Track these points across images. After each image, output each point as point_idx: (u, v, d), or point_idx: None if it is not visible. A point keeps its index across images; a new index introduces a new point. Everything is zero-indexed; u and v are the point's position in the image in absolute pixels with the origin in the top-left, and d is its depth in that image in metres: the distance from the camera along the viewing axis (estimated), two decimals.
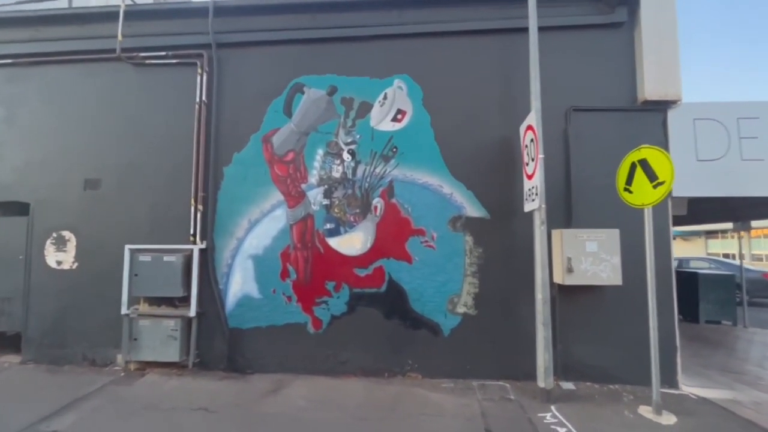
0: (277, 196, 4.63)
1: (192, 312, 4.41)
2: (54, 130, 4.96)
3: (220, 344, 4.52)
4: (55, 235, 4.80)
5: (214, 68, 4.79)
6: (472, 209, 4.42)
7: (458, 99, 4.54)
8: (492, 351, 4.26)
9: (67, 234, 4.79)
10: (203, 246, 4.57)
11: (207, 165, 4.70)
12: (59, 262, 4.77)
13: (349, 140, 4.61)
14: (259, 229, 4.61)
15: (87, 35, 4.97)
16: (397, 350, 4.38)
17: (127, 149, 4.85)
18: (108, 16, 4.94)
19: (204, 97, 4.75)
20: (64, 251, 4.77)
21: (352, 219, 4.53)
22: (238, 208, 4.65)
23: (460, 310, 4.34)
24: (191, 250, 4.57)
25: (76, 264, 4.75)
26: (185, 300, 4.55)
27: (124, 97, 4.93)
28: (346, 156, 4.60)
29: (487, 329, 4.29)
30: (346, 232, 4.53)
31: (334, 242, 4.53)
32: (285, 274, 4.54)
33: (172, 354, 4.41)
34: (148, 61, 4.88)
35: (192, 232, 4.61)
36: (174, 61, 4.85)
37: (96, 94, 4.97)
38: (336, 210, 4.56)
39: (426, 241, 4.43)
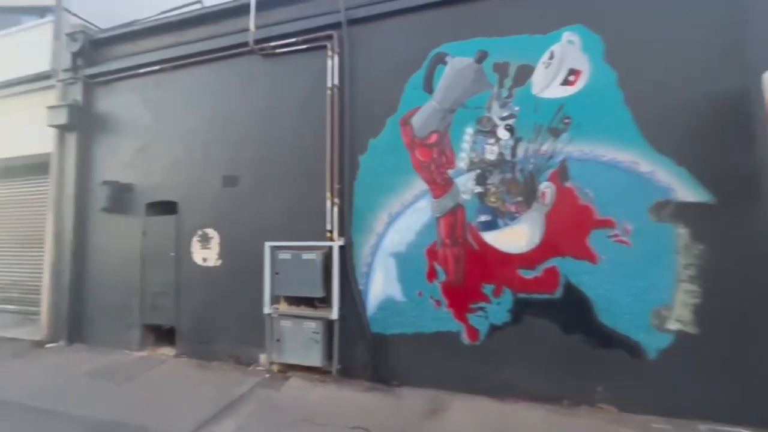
0: (420, 185, 4.04)
1: (334, 314, 4.06)
2: (195, 130, 5.07)
3: (362, 350, 4.10)
4: (200, 232, 4.89)
5: (346, 49, 4.38)
6: (686, 192, 3.29)
7: (659, 47, 3.43)
8: (729, 384, 3.11)
9: (210, 231, 4.84)
10: (341, 243, 4.20)
11: (342, 154, 4.32)
12: (205, 259, 4.84)
13: (506, 114, 3.81)
14: (401, 223, 4.07)
15: (221, 33, 4.98)
16: (580, 373, 3.47)
17: (261, 143, 4.73)
18: (240, 9, 4.87)
19: (336, 81, 4.38)
20: (209, 248, 4.83)
21: (513, 209, 3.74)
22: (377, 200, 4.18)
23: (673, 326, 3.26)
24: (330, 248, 4.23)
25: (219, 261, 4.77)
26: (324, 301, 4.23)
27: (256, 90, 4.82)
28: (502, 133, 3.81)
29: (717, 353, 3.14)
30: (506, 225, 3.75)
31: (490, 237, 3.79)
32: (432, 274, 3.94)
33: (315, 358, 4.12)
34: (278, 51, 4.69)
35: (329, 227, 4.28)
36: (304, 46, 4.57)
37: (230, 91, 4.95)
38: (492, 199, 3.81)
39: (616, 235, 3.43)
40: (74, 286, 5.45)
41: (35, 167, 6.45)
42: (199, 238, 4.89)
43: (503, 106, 3.82)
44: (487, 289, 3.76)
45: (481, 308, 3.76)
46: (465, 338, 3.80)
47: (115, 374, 4.37)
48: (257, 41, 4.69)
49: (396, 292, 4.05)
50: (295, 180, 4.53)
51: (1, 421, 3.38)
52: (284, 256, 4.29)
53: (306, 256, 4.21)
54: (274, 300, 4.38)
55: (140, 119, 5.39)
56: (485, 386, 3.68)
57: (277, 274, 4.31)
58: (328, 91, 4.40)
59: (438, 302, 3.90)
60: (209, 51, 5.01)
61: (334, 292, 4.08)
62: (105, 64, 5.62)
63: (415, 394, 3.76)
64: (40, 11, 7.37)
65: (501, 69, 3.85)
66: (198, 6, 5.38)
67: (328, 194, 4.30)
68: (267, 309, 4.31)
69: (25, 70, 6.30)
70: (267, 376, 4.27)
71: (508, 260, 3.71)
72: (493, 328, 3.72)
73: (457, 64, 4.00)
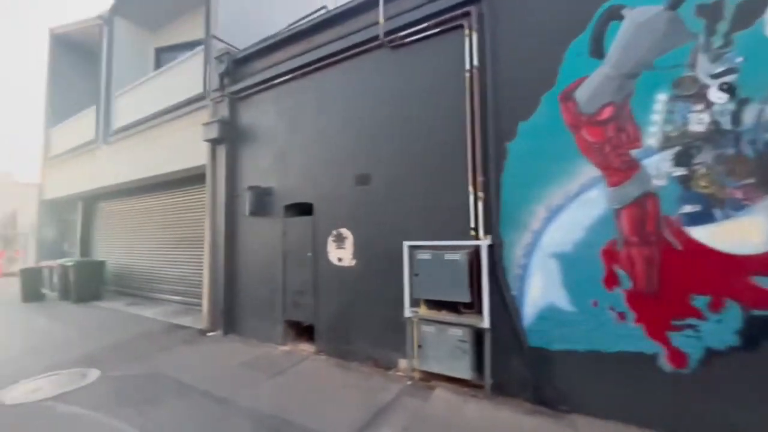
0: (589, 171, 3.33)
1: (485, 322, 3.60)
2: (327, 132, 5.15)
3: (519, 366, 3.56)
4: (334, 232, 4.93)
5: (486, 24, 3.91)
6: None
7: None
8: None
9: (344, 231, 4.84)
10: (489, 241, 3.72)
11: (485, 143, 3.85)
12: (339, 259, 4.86)
13: (721, 69, 2.87)
14: (564, 218, 3.42)
15: (348, 32, 4.96)
16: None
17: (393, 139, 4.54)
18: (366, 5, 4.78)
19: (475, 62, 3.93)
20: (343, 248, 4.83)
21: (738, 195, 2.78)
22: (531, 193, 3.59)
23: None
24: (475, 247, 3.80)
25: (354, 261, 4.74)
26: (470, 306, 3.81)
27: (385, 85, 4.66)
28: (715, 95, 2.88)
29: None
30: (726, 216, 2.82)
31: (702, 233, 2.89)
32: (612, 280, 3.19)
33: (462, 370, 3.72)
34: (408, 40, 4.45)
35: (472, 224, 3.84)
36: (436, 30, 4.23)
37: (359, 89, 4.89)
38: (702, 183, 2.90)
39: None
40: (228, 283, 6.07)
41: (195, 178, 7.48)
42: (333, 238, 4.94)
43: (716, 59, 2.89)
44: (700, 301, 2.87)
45: (691, 326, 2.89)
46: (665, 363, 2.97)
47: (266, 367, 4.63)
48: (387, 33, 4.53)
49: (561, 299, 3.41)
50: (431, 175, 4.22)
51: (185, 402, 3.75)
52: (424, 256, 4.00)
53: (449, 256, 3.85)
54: (414, 303, 4.12)
55: (276, 127, 5.74)
56: (699, 428, 2.80)
57: (416, 275, 4.04)
58: (466, 74, 3.98)
59: (622, 315, 3.14)
60: (337, 52, 5.04)
61: (484, 297, 3.63)
62: (245, 80, 6.15)
63: (594, 427, 3.07)
64: (191, 46, 8.59)
65: (710, 11, 2.92)
66: (323, 11, 5.49)
67: (471, 188, 3.87)
68: (407, 312, 4.08)
69: (184, 95, 7.33)
70: (409, 383, 4.02)
71: (732, 264, 2.77)
72: (711, 354, 2.82)
73: (639, 16, 3.18)
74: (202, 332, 6.23)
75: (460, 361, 3.74)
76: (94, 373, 4.52)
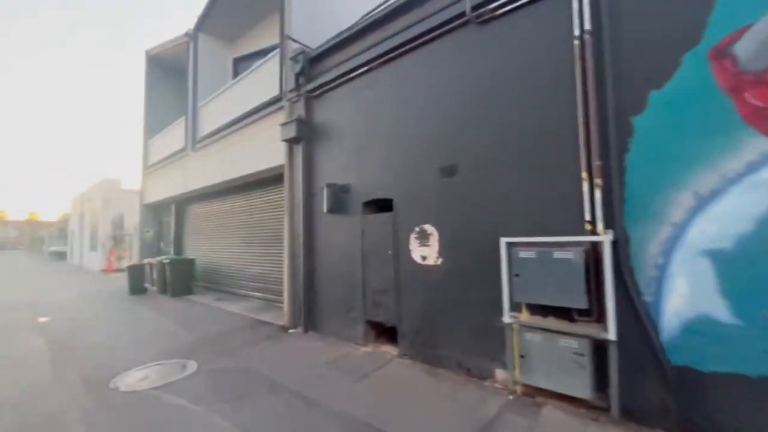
0: (760, 145, 2.59)
1: (610, 334, 3.02)
2: (407, 124, 4.87)
3: (657, 388, 2.92)
4: (417, 229, 4.63)
5: None
6: None
7: None
8: None
9: (428, 228, 4.51)
10: (610, 237, 3.12)
11: (602, 120, 3.25)
12: (424, 258, 4.55)
13: None
14: (721, 207, 2.71)
15: (429, 12, 4.62)
16: None
17: (482, 125, 4.10)
18: None
19: (587, 25, 3.34)
20: (428, 246, 4.50)
21: None
22: (669, 177, 2.93)
23: None
24: (593, 244, 3.22)
25: (440, 260, 4.39)
26: (587, 313, 3.25)
27: (471, 67, 4.23)
28: None
29: None
30: None
31: None
32: None
33: (579, 388, 3.17)
34: (499, 12, 3.98)
35: (588, 217, 3.27)
36: None
37: (441, 74, 4.52)
38: None
39: None
40: (307, 281, 6.10)
41: (274, 178, 7.72)
42: (416, 236, 4.64)
43: None
44: None
45: None
46: None
47: (351, 369, 4.48)
48: (474, 7, 4.10)
49: (717, 309, 2.71)
50: (530, 162, 3.71)
51: (277, 401, 3.71)
52: (526, 254, 3.51)
53: (558, 254, 3.31)
54: (514, 307, 3.65)
55: (353, 122, 5.61)
56: None
57: (516, 276, 3.57)
58: (575, 42, 3.40)
59: None
60: (415, 37, 4.73)
61: (608, 303, 3.04)
62: (320, 78, 6.11)
63: None
64: (264, 53, 8.91)
65: None
66: None
67: (584, 174, 3.30)
68: (506, 318, 3.62)
69: (261, 98, 7.58)
70: (510, 397, 3.57)
71: None
72: None
73: None
74: (284, 329, 6.34)
75: (576, 378, 3.19)
76: (192, 365, 4.74)
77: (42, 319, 7.67)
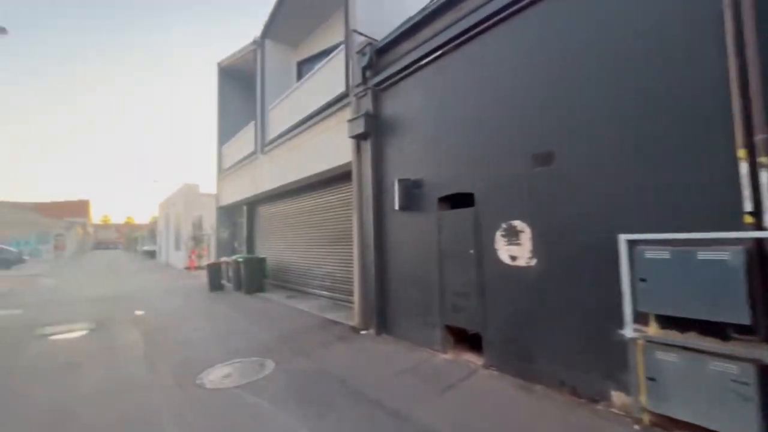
0: None
1: None
2: (487, 108, 4.39)
3: None
4: (504, 226, 4.13)
5: None
6: None
7: None
8: None
9: (518, 224, 3.99)
10: None
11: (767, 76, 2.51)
12: (513, 258, 4.03)
13: None
14: None
15: None
16: None
17: (584, 103, 3.49)
18: None
19: None
20: (518, 244, 3.98)
21: None
22: None
23: None
24: (760, 241, 2.50)
25: (534, 260, 3.84)
26: (749, 331, 2.53)
27: (569, 29, 3.64)
28: None
29: None
30: None
31: None
32: None
33: (740, 425, 2.47)
34: None
35: (748, 207, 2.54)
36: None
37: (530, 47, 3.97)
38: None
39: None
40: (378, 281, 5.86)
41: (341, 176, 7.64)
42: (503, 233, 4.14)
43: None
44: None
45: None
46: None
47: (433, 378, 4.12)
48: None
49: None
50: (655, 139, 3.04)
51: (359, 410, 3.47)
52: (656, 254, 2.87)
53: (705, 254, 2.63)
54: (638, 318, 3.01)
55: (425, 112, 5.24)
56: None
57: (643, 281, 2.93)
58: None
59: None
60: (496, 12, 4.22)
61: None
62: (388, 69, 5.84)
63: None
64: (327, 53, 8.90)
65: None
66: None
67: (742, 152, 2.58)
68: (629, 331, 3.00)
69: (327, 97, 7.54)
70: (637, 428, 2.94)
71: None
72: None
73: None
74: (355, 330, 6.18)
75: (735, 412, 2.50)
76: (269, 365, 4.73)
77: (138, 312, 8.40)
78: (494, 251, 4.23)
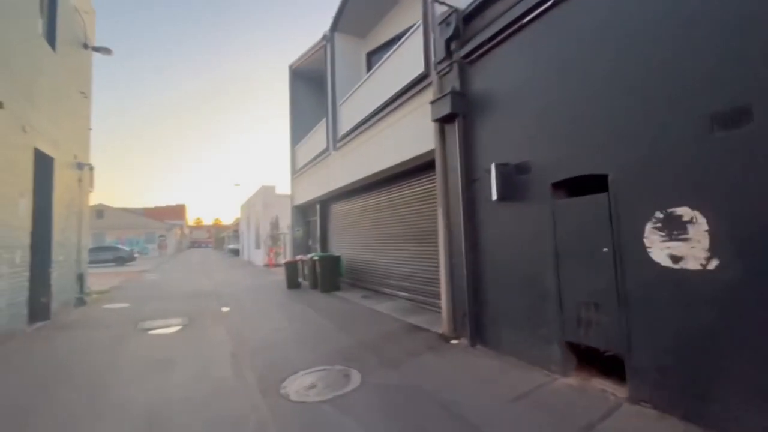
0: None
1: None
2: (632, 60, 3.34)
3: None
4: (659, 215, 3.08)
5: None
6: None
7: None
8: None
9: (685, 212, 2.92)
10: None
11: None
12: (675, 258, 2.97)
13: None
14: None
15: None
16: None
17: None
18: None
19: None
20: (684, 240, 2.92)
21: None
22: None
23: None
24: None
25: (714, 262, 2.76)
26: None
27: None
28: None
29: None
30: None
31: None
32: None
33: None
34: None
35: None
36: None
37: None
38: None
39: None
40: (472, 283, 5.07)
41: (421, 167, 6.97)
42: (658, 225, 3.09)
43: None
44: None
45: None
46: None
47: (558, 411, 3.24)
48: None
49: None
50: None
51: None
52: None
53: None
54: None
55: (531, 80, 4.32)
56: None
57: None
58: None
59: None
60: None
61: None
62: (477, 37, 5.00)
63: None
64: (396, 40, 8.26)
65: None
66: None
67: None
68: None
69: (404, 80, 6.90)
70: None
71: None
72: None
73: None
74: (444, 338, 5.47)
75: None
76: (355, 377, 4.23)
77: (224, 309, 8.66)
78: (643, 250, 3.19)
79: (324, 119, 11.58)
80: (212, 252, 53.49)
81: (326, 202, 13.09)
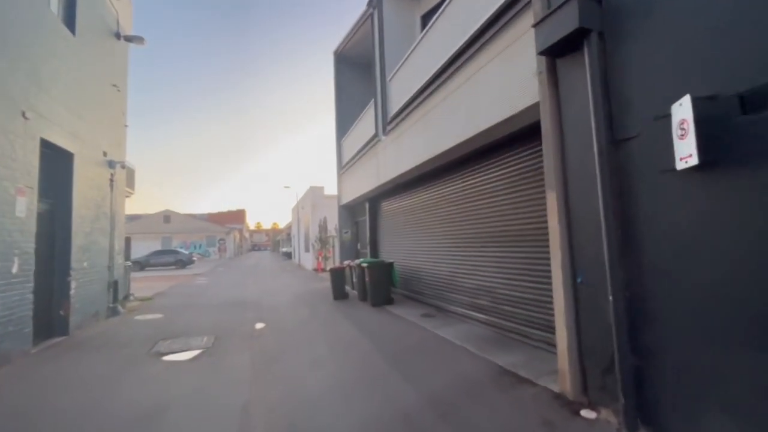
0: None
1: None
2: None
3: None
4: None
5: None
6: None
7: None
8: None
9: None
10: None
11: None
12: None
13: None
14: None
15: None
16: None
17: None
18: None
19: None
20: None
21: None
22: None
23: None
24: None
25: None
26: None
27: None
28: None
29: None
30: None
31: None
32: None
33: None
34: None
35: None
36: None
37: None
38: None
39: None
40: (625, 316, 2.91)
41: (514, 136, 4.89)
42: None
43: None
44: None
45: None
46: None
47: None
48: None
49: None
50: None
51: None
52: None
53: None
54: None
55: None
56: None
57: None
58: None
59: None
60: None
61: None
62: None
63: None
64: None
65: None
66: None
67: None
68: None
69: (484, 13, 4.87)
70: None
71: None
72: None
73: None
74: (567, 403, 3.36)
75: None
76: None
77: (258, 326, 7.26)
78: None
79: (371, 102, 9.87)
80: (268, 255, 54.88)
81: (376, 199, 11.38)
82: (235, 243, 50.70)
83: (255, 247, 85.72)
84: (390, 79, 8.65)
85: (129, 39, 9.33)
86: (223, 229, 47.20)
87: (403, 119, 7.82)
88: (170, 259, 26.90)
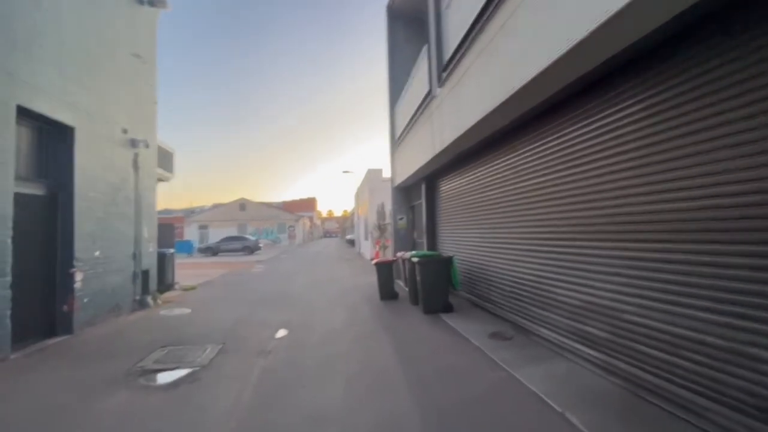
0: None
1: None
2: None
3: None
4: None
5: None
6: None
7: None
8: None
9: None
10: None
11: None
12: None
13: None
14: None
15: None
16: None
17: None
18: None
19: None
20: None
21: None
22: None
23: None
24: None
25: None
26: None
27: None
28: None
29: None
30: None
31: None
32: None
33: None
34: None
35: None
36: None
37: None
38: None
39: None
40: None
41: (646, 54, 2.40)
42: None
43: None
44: None
45: None
46: None
47: None
48: None
49: None
50: None
51: None
52: None
53: None
54: None
55: None
56: None
57: None
58: None
59: None
60: None
61: None
62: None
63: None
64: None
65: None
66: None
67: None
68: None
69: None
70: None
71: None
72: None
73: None
74: None
75: None
76: None
77: (279, 334, 5.78)
78: None
79: (424, 49, 7.63)
80: (335, 242, 55.61)
81: (433, 177, 9.22)
82: (304, 230, 52.16)
83: (326, 234, 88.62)
84: (446, 8, 6.34)
85: (152, 3, 8.36)
86: (293, 216, 48.65)
87: (461, 57, 5.50)
88: (238, 245, 27.80)
